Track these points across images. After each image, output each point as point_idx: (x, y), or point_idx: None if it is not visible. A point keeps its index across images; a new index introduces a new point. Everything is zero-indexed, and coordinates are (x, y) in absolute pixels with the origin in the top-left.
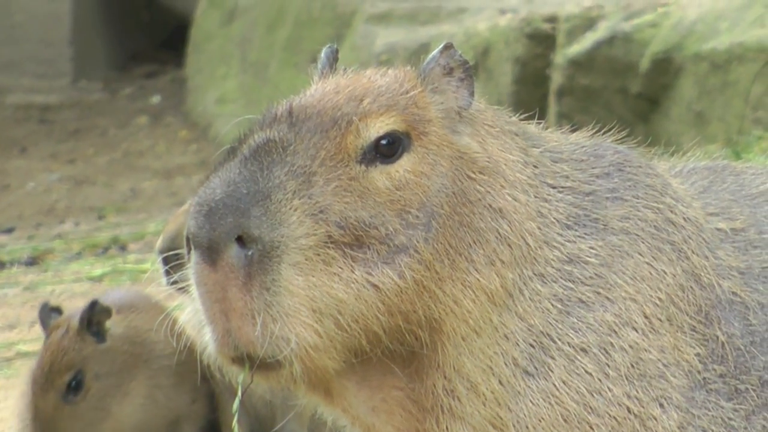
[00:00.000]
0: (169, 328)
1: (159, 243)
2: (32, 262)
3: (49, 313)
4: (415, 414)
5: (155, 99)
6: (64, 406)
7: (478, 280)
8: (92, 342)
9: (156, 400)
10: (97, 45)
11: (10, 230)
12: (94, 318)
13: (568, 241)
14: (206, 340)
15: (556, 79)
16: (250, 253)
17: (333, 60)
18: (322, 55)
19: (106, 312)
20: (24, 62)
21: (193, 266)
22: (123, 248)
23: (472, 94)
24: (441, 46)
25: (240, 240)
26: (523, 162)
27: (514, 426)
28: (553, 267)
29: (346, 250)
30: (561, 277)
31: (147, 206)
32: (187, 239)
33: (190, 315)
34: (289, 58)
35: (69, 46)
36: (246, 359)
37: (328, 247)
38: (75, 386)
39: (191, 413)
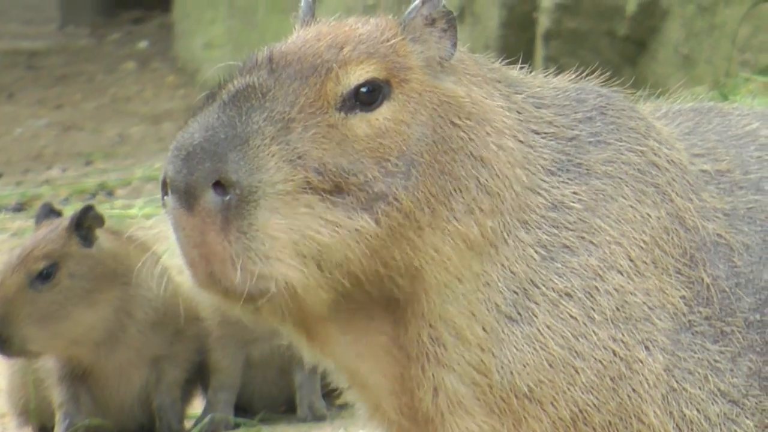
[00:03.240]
0: (153, 268)
1: None
2: (20, 208)
3: (48, 212)
4: (401, 360)
5: (142, 44)
6: (28, 289)
7: (458, 228)
8: (77, 243)
9: (124, 327)
10: None
11: None
12: (85, 222)
13: (552, 187)
14: (188, 281)
15: (543, 22)
16: (227, 198)
17: (313, 8)
18: (302, 4)
19: (99, 219)
20: (11, 8)
21: (170, 211)
22: (110, 194)
23: (454, 45)
24: None
25: (218, 185)
26: (507, 109)
27: (498, 371)
28: (536, 214)
29: (325, 195)
30: (545, 224)
31: (134, 152)
32: (164, 183)
33: (172, 258)
34: (276, 3)
35: None
36: (231, 296)
37: (307, 193)
38: (46, 275)
39: (172, 354)
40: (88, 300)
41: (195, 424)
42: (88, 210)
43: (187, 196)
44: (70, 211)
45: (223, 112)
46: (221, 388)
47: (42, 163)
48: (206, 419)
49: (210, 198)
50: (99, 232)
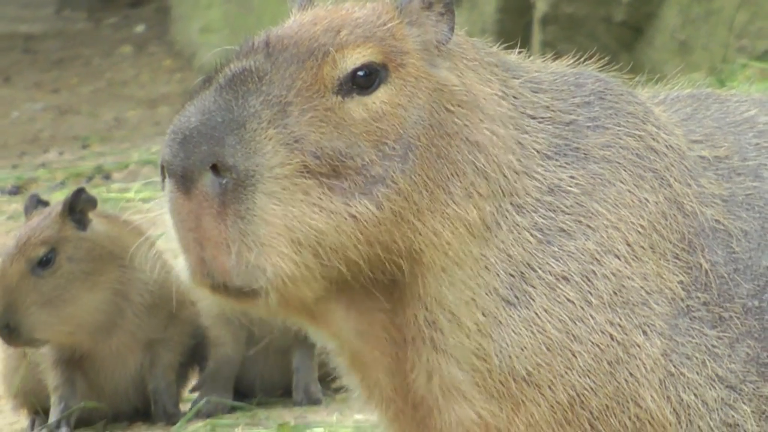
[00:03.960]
0: (147, 252)
1: None
2: (16, 191)
3: (36, 203)
4: (398, 341)
5: (139, 28)
6: (30, 276)
7: (456, 211)
8: (72, 227)
9: (121, 310)
10: None
11: None
12: (77, 205)
13: (548, 172)
14: (180, 268)
15: (540, 7)
16: (224, 181)
17: None
18: None
19: (91, 202)
20: None
21: (167, 195)
22: (107, 177)
23: (451, 29)
24: None
25: (214, 168)
26: (502, 94)
27: (496, 355)
28: (532, 197)
29: (322, 179)
30: (541, 207)
31: (131, 135)
32: (162, 167)
33: (168, 243)
34: None
35: None
36: (221, 287)
37: (304, 177)
38: (46, 261)
39: (166, 338)
40: (88, 282)
41: (192, 406)
42: (80, 193)
43: (183, 180)
44: (67, 195)
45: (219, 95)
46: (225, 362)
47: (38, 147)
48: (202, 402)
49: (207, 182)
50: (92, 216)
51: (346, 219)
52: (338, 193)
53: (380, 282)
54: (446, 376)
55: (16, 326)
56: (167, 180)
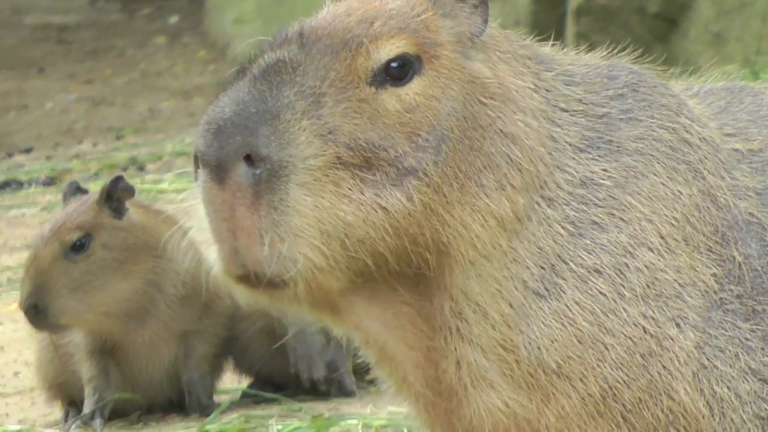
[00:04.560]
0: (180, 242)
1: None
2: (50, 182)
3: (75, 190)
4: (426, 331)
5: (173, 19)
6: (63, 260)
7: (488, 204)
8: (108, 215)
9: (153, 300)
10: None
11: (28, 150)
12: (115, 193)
13: (581, 165)
14: (212, 258)
15: None
16: (258, 171)
17: None
18: None
19: (129, 191)
20: None
21: (200, 184)
22: (141, 168)
23: (485, 21)
24: None
25: (248, 159)
26: (535, 87)
27: (525, 347)
28: (564, 190)
29: (355, 171)
30: (573, 200)
31: (165, 126)
32: (195, 158)
33: (200, 232)
34: None
35: None
36: (252, 278)
37: (337, 168)
38: (80, 246)
39: (200, 329)
40: (121, 271)
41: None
42: (118, 181)
43: (217, 170)
44: (101, 186)
45: (253, 86)
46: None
47: (72, 138)
48: (237, 393)
49: (241, 172)
50: (129, 206)
51: (375, 211)
52: (369, 185)
53: (405, 275)
54: (473, 365)
55: (44, 308)
56: (200, 170)
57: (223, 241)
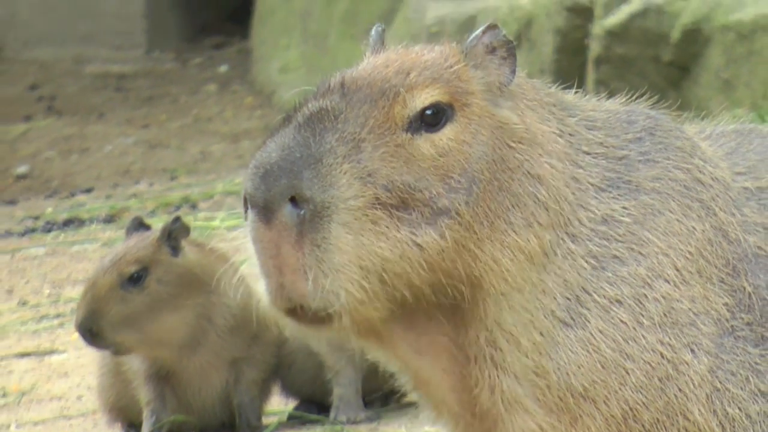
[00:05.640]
0: (232, 277)
1: None
2: (110, 219)
3: (137, 225)
4: (460, 359)
5: (223, 68)
6: (119, 290)
7: (517, 241)
8: (166, 252)
9: (205, 331)
10: (169, 18)
11: (89, 190)
12: (173, 232)
13: (602, 203)
14: (261, 292)
15: (594, 48)
16: (302, 212)
17: (382, 36)
18: (372, 33)
19: (185, 230)
20: (101, 34)
21: (249, 224)
22: (193, 206)
23: (513, 72)
24: (485, 26)
25: (293, 200)
26: (560, 132)
27: (555, 372)
28: (587, 227)
29: (392, 211)
30: (595, 236)
31: (215, 168)
32: (245, 199)
33: (250, 268)
34: (346, 30)
35: (143, 19)
36: (298, 311)
37: (376, 208)
38: (137, 278)
39: (249, 356)
40: (173, 305)
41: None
42: (177, 221)
43: (265, 211)
44: (156, 222)
45: (298, 132)
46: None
47: (130, 178)
48: (284, 415)
49: (286, 212)
50: (184, 244)
51: (411, 247)
52: (405, 224)
53: (442, 305)
54: (507, 390)
55: (98, 332)
56: (250, 210)
57: (270, 276)
